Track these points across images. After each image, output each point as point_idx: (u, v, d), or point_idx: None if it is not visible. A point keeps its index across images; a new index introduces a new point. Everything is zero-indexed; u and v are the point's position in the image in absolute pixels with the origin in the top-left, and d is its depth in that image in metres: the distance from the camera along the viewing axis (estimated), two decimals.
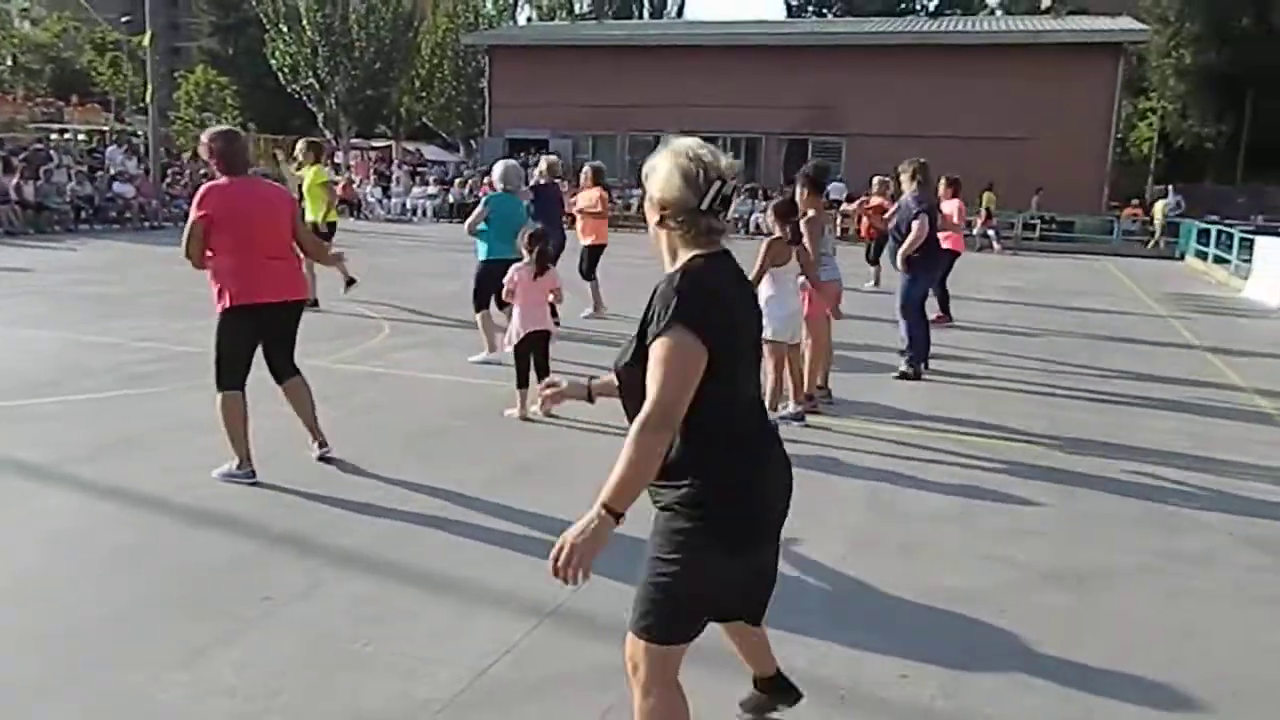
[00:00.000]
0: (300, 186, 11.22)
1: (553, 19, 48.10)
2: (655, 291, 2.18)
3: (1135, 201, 30.08)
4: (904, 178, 8.26)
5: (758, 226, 25.86)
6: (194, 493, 4.73)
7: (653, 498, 2.30)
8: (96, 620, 3.43)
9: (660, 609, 2.25)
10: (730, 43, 32.21)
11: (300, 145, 11.21)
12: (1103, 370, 8.88)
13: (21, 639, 3.29)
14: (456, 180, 28.95)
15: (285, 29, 34.36)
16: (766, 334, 6.14)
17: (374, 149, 39.35)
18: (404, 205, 28.20)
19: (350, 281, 10.47)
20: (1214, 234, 20.27)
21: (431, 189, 28.54)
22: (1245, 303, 15.21)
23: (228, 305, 4.78)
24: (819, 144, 32.20)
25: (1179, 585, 4.10)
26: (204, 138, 4.89)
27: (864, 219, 14.90)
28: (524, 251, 6.43)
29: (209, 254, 4.78)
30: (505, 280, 6.34)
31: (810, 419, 6.53)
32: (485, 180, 28.35)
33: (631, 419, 2.19)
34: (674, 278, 2.17)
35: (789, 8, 59.54)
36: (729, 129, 32.59)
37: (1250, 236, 17.64)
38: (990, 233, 23.85)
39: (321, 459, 5.21)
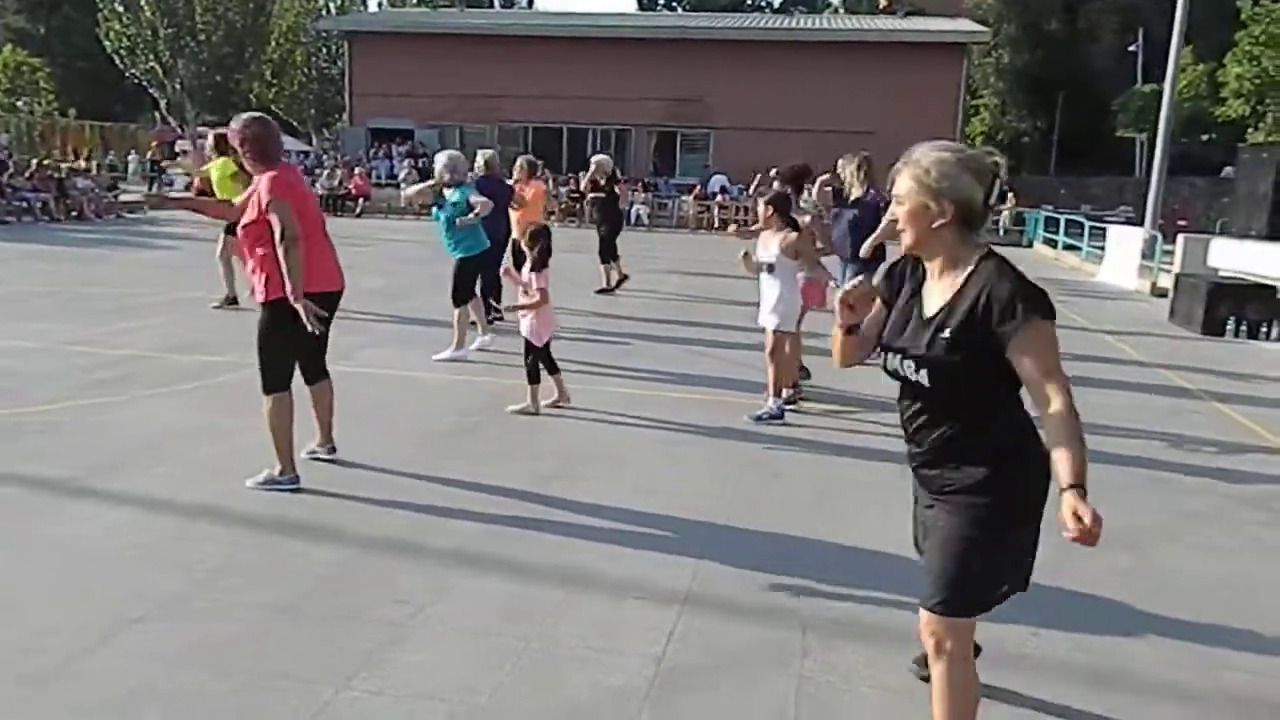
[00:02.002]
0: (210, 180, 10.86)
1: (404, 4, 46.98)
2: (981, 288, 2.34)
3: None
4: (850, 171, 8.60)
5: (638, 217, 26.24)
6: (248, 501, 4.58)
7: (941, 484, 2.48)
8: (246, 635, 3.32)
9: (967, 584, 2.43)
10: (599, 35, 32.39)
11: (210, 138, 10.78)
12: None
13: (185, 656, 3.15)
14: (326, 172, 27.87)
15: (122, 9, 32.18)
16: (773, 324, 6.45)
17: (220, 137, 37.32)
18: None
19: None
20: (1063, 223, 21.98)
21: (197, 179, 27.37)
22: (1105, 286, 16.62)
23: (281, 295, 4.57)
24: (687, 136, 32.87)
25: (1208, 542, 4.61)
26: (235, 125, 4.63)
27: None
28: (526, 249, 6.43)
29: (258, 247, 4.57)
30: (506, 280, 6.37)
31: (803, 405, 6.84)
32: (356, 172, 27.64)
33: (935, 398, 2.41)
34: (1005, 272, 2.35)
35: (640, 2, 60.20)
36: (598, 121, 32.85)
37: (1101, 226, 19.26)
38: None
39: (312, 457, 5.09)
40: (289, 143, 39.81)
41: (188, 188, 28.23)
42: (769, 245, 6.55)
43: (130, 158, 29.86)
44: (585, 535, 4.36)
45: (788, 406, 6.61)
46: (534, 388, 6.37)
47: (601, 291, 12.35)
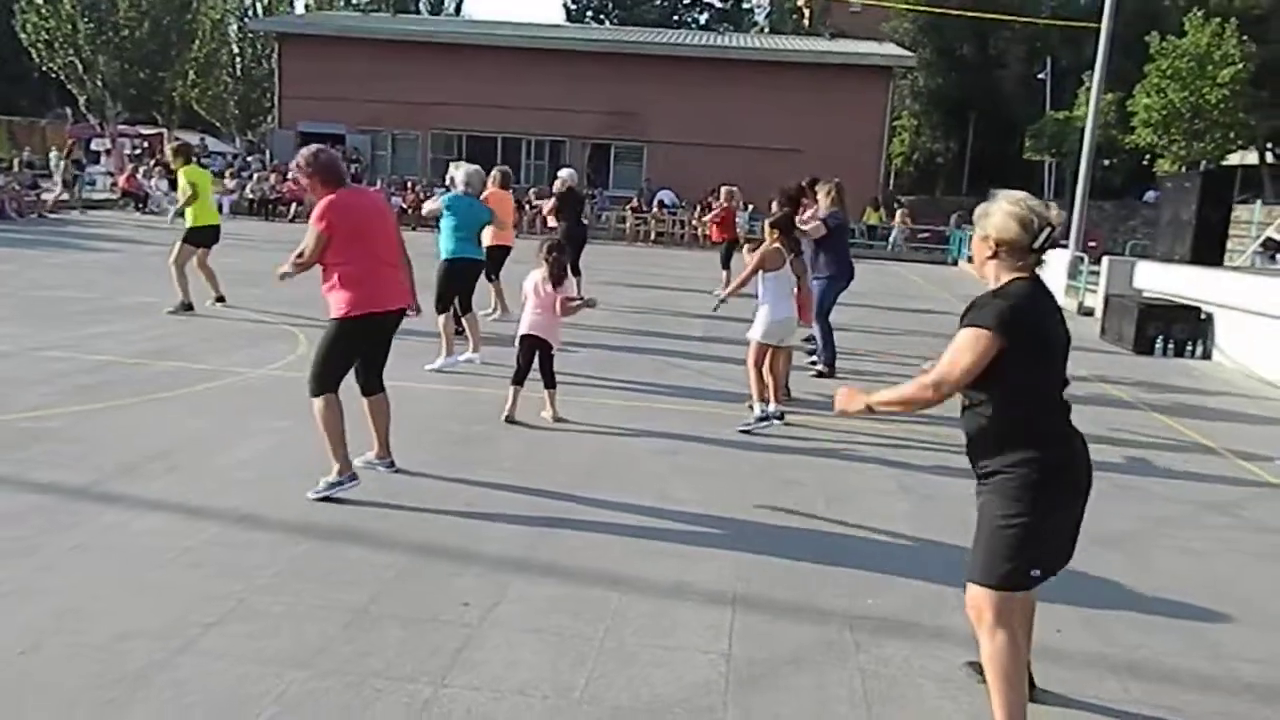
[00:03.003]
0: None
1: (331, 7, 46.35)
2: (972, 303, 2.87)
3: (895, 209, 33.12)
4: (821, 194, 8.99)
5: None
6: (282, 508, 4.63)
7: (980, 470, 2.91)
8: (335, 638, 3.41)
9: (1002, 558, 2.79)
10: (534, 45, 32.45)
11: (168, 150, 10.74)
12: None
13: (281, 658, 3.23)
14: (256, 175, 27.32)
15: (41, 1, 31.03)
16: (755, 335, 6.73)
17: (142, 136, 36.29)
18: None
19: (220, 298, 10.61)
20: None
21: (229, 183, 26.83)
22: None
23: (352, 313, 4.70)
24: (621, 148, 33.15)
25: (1185, 545, 5.02)
26: (301, 163, 4.79)
27: (715, 226, 15.75)
28: (542, 261, 6.58)
29: (329, 263, 4.71)
30: (526, 286, 6.51)
31: (791, 418, 7.12)
32: (290, 177, 27.14)
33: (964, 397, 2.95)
34: (997, 292, 2.87)
35: (568, 12, 60.49)
36: (532, 131, 32.93)
37: None
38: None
39: (368, 466, 5.16)
40: (211, 144, 38.99)
41: (113, 186, 27.45)
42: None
43: (52, 155, 28.74)
44: (621, 539, 4.53)
45: (776, 420, 6.86)
46: (516, 389, 6.50)
47: None
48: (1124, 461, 6.57)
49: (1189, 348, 11.68)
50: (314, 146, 4.89)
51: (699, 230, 27.59)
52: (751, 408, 6.86)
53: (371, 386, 5.03)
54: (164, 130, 37.82)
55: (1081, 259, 16.86)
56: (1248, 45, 29.43)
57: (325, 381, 4.78)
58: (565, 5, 60.57)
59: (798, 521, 4.95)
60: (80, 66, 31.54)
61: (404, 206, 27.03)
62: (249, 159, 32.58)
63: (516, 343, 6.63)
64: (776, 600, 3.99)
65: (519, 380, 6.50)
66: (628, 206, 28.63)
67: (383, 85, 31.78)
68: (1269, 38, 33.65)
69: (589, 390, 7.64)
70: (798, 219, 7.94)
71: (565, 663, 3.35)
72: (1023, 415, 2.85)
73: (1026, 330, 2.80)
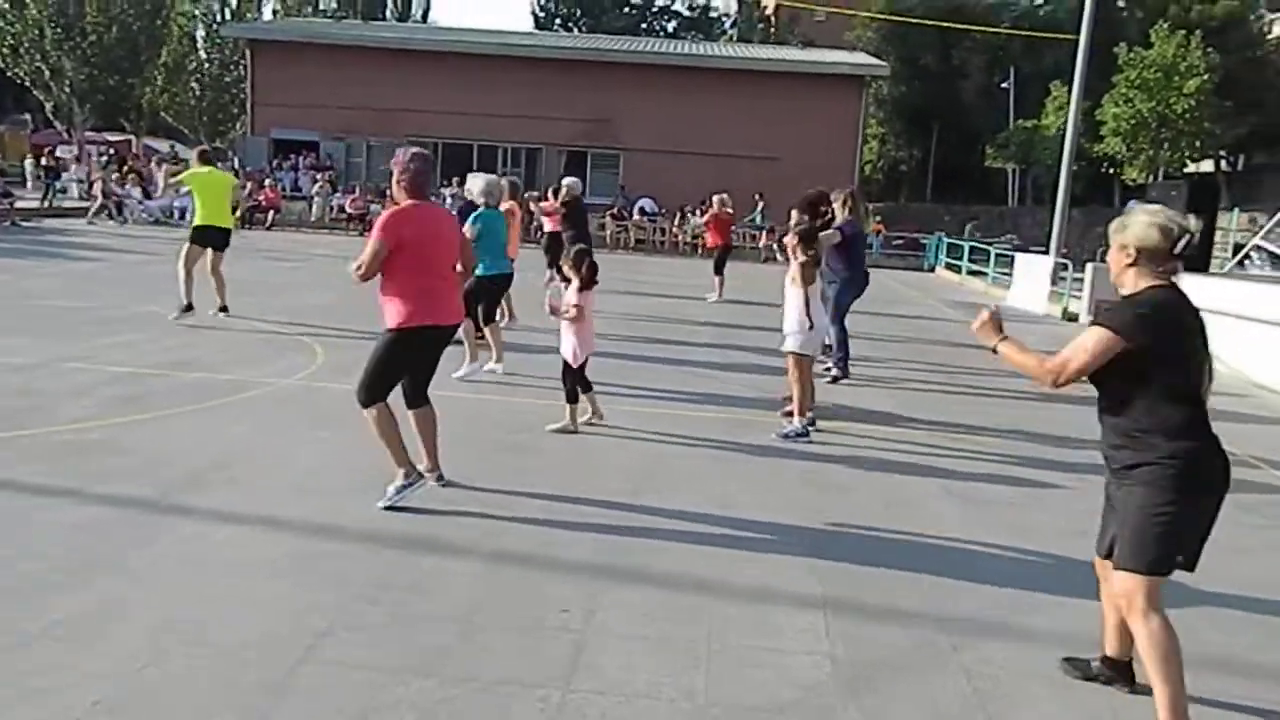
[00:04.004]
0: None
1: (299, 14, 46.02)
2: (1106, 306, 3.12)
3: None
4: (836, 205, 9.13)
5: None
6: (353, 518, 4.65)
7: (1121, 464, 3.10)
8: (452, 646, 3.45)
9: (1154, 544, 2.97)
10: (510, 54, 32.46)
11: (193, 154, 10.67)
12: (976, 369, 10.31)
13: (405, 666, 3.26)
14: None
15: (7, 6, 30.50)
16: (793, 347, 6.82)
17: (109, 143, 35.72)
18: (171, 208, 26.00)
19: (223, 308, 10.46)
20: (967, 249, 23.30)
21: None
22: (1017, 310, 17.71)
23: (407, 325, 4.73)
24: (597, 156, 33.21)
25: (1228, 543, 5.18)
26: (402, 157, 4.82)
27: (711, 232, 15.90)
28: (571, 273, 6.63)
29: (387, 275, 4.73)
30: (551, 301, 6.55)
31: (821, 424, 7.24)
32: (266, 184, 26.91)
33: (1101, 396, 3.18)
34: (1126, 298, 3.05)
35: (536, 20, 60.50)
36: (509, 139, 32.91)
37: (1009, 253, 20.54)
38: (776, 246, 25.81)
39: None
40: (181, 150, 38.43)
41: (88, 192, 26.98)
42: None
43: (27, 163, 28.24)
44: (696, 545, 4.60)
45: (811, 428, 6.96)
46: (572, 407, 6.56)
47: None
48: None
49: None
50: (412, 151, 4.90)
51: (680, 238, 27.78)
52: (791, 415, 6.95)
53: (417, 400, 5.04)
54: (131, 137, 37.26)
55: (1064, 265, 17.21)
56: (1212, 56, 30.21)
57: (375, 392, 4.79)
58: (533, 13, 60.61)
59: (860, 527, 5.05)
60: (47, 72, 31.01)
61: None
62: (225, 167, 32.11)
63: (576, 366, 6.63)
64: (863, 603, 4.08)
65: (574, 399, 6.54)
66: (607, 214, 28.69)
67: (357, 92, 31.60)
68: (1229, 48, 34.62)
69: (616, 398, 7.68)
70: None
71: (680, 666, 3.42)
72: (1164, 414, 3.01)
73: (1156, 334, 2.97)
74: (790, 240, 7.04)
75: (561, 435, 6.43)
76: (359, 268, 4.77)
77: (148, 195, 26.67)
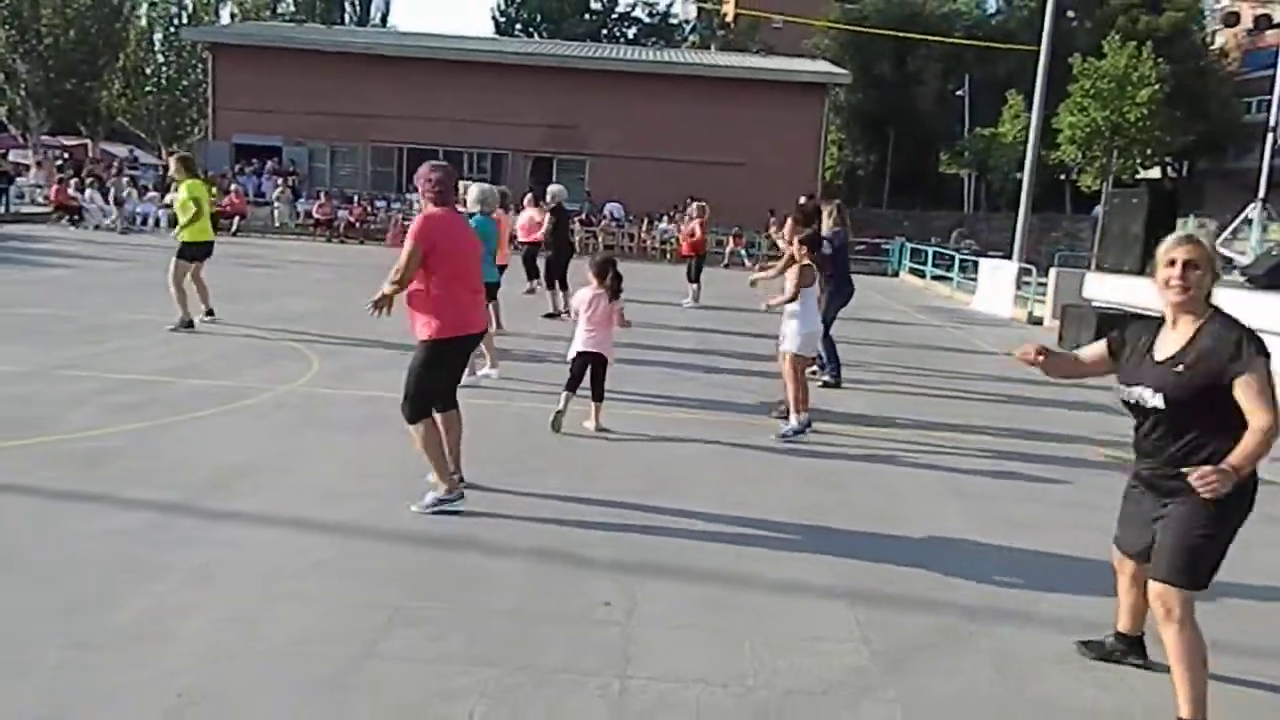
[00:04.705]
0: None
1: (256, 18, 45.55)
2: (1215, 334, 3.08)
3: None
4: (824, 214, 9.37)
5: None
6: (390, 520, 4.77)
7: (1176, 486, 3.11)
8: (510, 638, 3.59)
9: (1203, 563, 3.10)
10: (474, 59, 32.50)
11: (173, 162, 10.53)
12: (954, 372, 10.63)
13: (468, 657, 3.40)
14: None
15: None
16: (792, 348, 7.04)
17: (64, 148, 35.12)
18: (135, 215, 25.68)
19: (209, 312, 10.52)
20: (930, 255, 23.79)
21: (168, 197, 26.14)
22: (982, 314, 18.17)
23: (442, 335, 4.83)
24: (563, 162, 33.34)
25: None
26: (425, 169, 4.93)
27: (686, 240, 16.12)
28: (594, 278, 6.78)
29: (419, 283, 4.82)
30: (576, 303, 6.71)
31: (818, 426, 7.46)
32: (232, 190, 26.66)
33: (1173, 419, 3.08)
34: (1231, 322, 3.09)
35: (496, 25, 60.49)
36: (474, 145, 32.92)
37: (973, 259, 21.04)
38: (742, 251, 26.15)
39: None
40: (141, 156, 37.91)
41: (46, 200, 26.53)
42: (790, 278, 7.14)
43: None
44: (715, 543, 4.78)
45: (807, 429, 7.18)
46: (567, 394, 6.71)
47: (549, 316, 12.67)
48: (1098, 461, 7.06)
49: None
50: (431, 163, 5.01)
51: (648, 243, 28.00)
52: (785, 416, 7.17)
53: (446, 403, 5.15)
54: (88, 142, 36.65)
55: (1028, 270, 17.68)
56: (1162, 66, 31.14)
57: (422, 406, 4.90)
58: (494, 18, 60.60)
59: (867, 523, 5.26)
60: (1, 76, 30.43)
61: (351, 221, 26.80)
62: None
63: (572, 358, 6.81)
64: (883, 594, 4.29)
65: (572, 388, 6.70)
66: (576, 219, 28.77)
67: (321, 97, 31.46)
68: (1175, 58, 35.69)
69: (613, 402, 7.82)
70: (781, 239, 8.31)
71: (725, 654, 3.59)
72: (1228, 436, 3.02)
73: None
74: (795, 247, 7.25)
75: (572, 438, 6.57)
76: (397, 276, 4.80)
77: (120, 202, 26.26)
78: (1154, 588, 3.18)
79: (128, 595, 3.75)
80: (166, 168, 32.65)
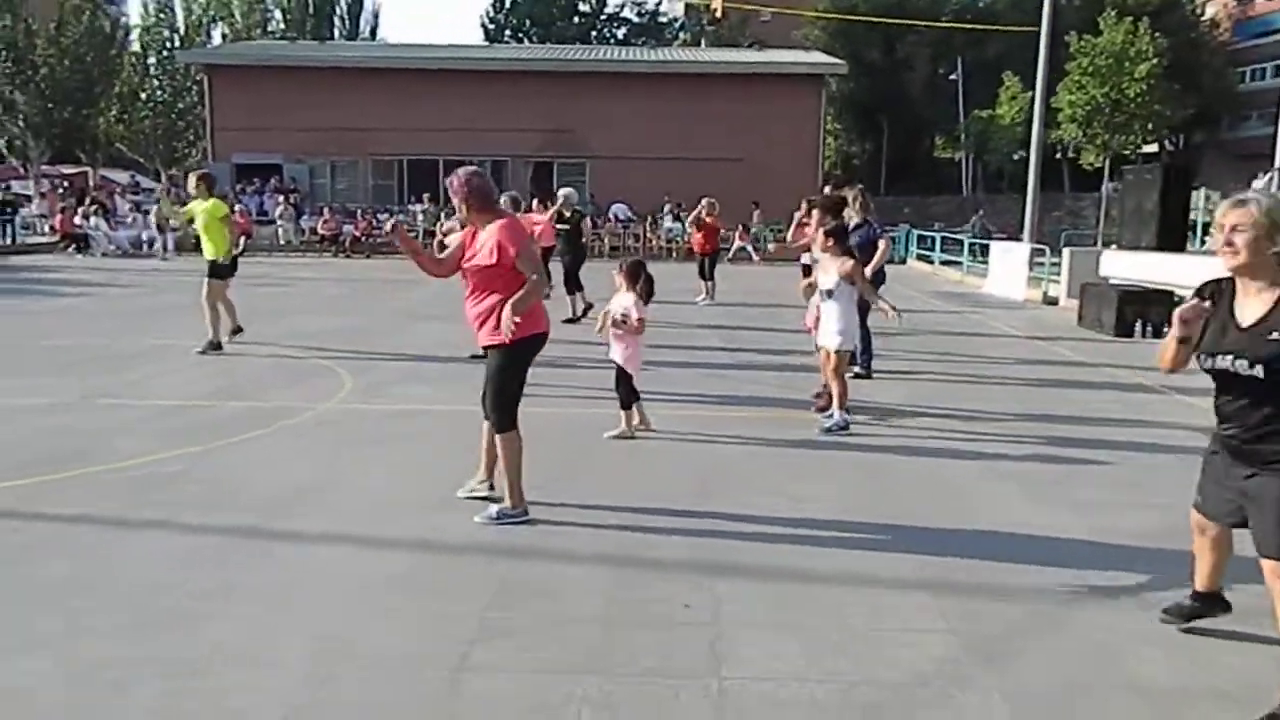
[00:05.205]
0: (189, 222, 10.80)
1: (248, 38, 45.59)
2: None
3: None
4: (851, 203, 9.34)
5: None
6: (458, 530, 4.78)
7: (1267, 457, 3.16)
8: (598, 647, 3.60)
9: None
10: (469, 67, 32.52)
11: (191, 179, 10.53)
12: (982, 358, 10.63)
13: (565, 665, 3.40)
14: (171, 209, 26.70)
15: None
16: (835, 344, 7.04)
17: (64, 176, 35.14)
18: (142, 239, 25.71)
19: (237, 329, 10.51)
20: (938, 240, 23.80)
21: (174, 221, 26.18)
22: (996, 298, 18.15)
23: (523, 336, 4.75)
24: (563, 165, 33.33)
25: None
26: (458, 181, 4.87)
27: (700, 237, 16.12)
28: (624, 280, 6.77)
29: (494, 292, 4.78)
30: (620, 312, 6.68)
31: (858, 417, 7.46)
32: (237, 210, 26.62)
33: (1265, 388, 3.09)
34: None
35: (486, 32, 60.52)
36: (474, 152, 32.83)
37: (982, 243, 21.04)
38: (748, 246, 26.16)
39: (471, 496, 5.25)
40: (143, 181, 37.95)
41: (51, 230, 26.58)
42: (829, 272, 7.13)
43: None
44: (777, 539, 4.78)
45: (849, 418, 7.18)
46: (627, 414, 6.72)
47: (569, 321, 12.66)
48: (1172, 439, 7.06)
49: (1166, 330, 12.38)
50: (463, 170, 4.98)
51: (655, 242, 28.02)
52: (825, 410, 7.19)
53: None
54: (88, 169, 36.68)
55: (1041, 251, 17.66)
56: (1159, 40, 31.14)
57: (511, 411, 4.89)
58: (483, 25, 60.65)
59: (926, 513, 5.25)
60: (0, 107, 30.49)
61: (357, 235, 26.83)
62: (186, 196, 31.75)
63: (628, 372, 6.79)
64: (959, 583, 4.28)
65: (627, 405, 6.69)
66: (588, 221, 28.81)
67: (318, 113, 31.44)
68: (1168, 31, 35.68)
69: (649, 403, 7.82)
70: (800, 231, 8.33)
71: (816, 650, 3.59)
72: None
73: None
74: (819, 239, 7.25)
75: (616, 443, 6.58)
76: (534, 277, 4.76)
77: (115, 227, 26.32)
78: (1264, 565, 3.17)
79: (214, 617, 3.76)
80: (169, 190, 32.75)
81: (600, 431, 6.71)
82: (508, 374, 4.88)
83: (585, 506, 5.21)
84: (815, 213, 7.97)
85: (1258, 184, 19.26)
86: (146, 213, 27.85)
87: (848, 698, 3.25)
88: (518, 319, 4.58)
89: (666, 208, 29.14)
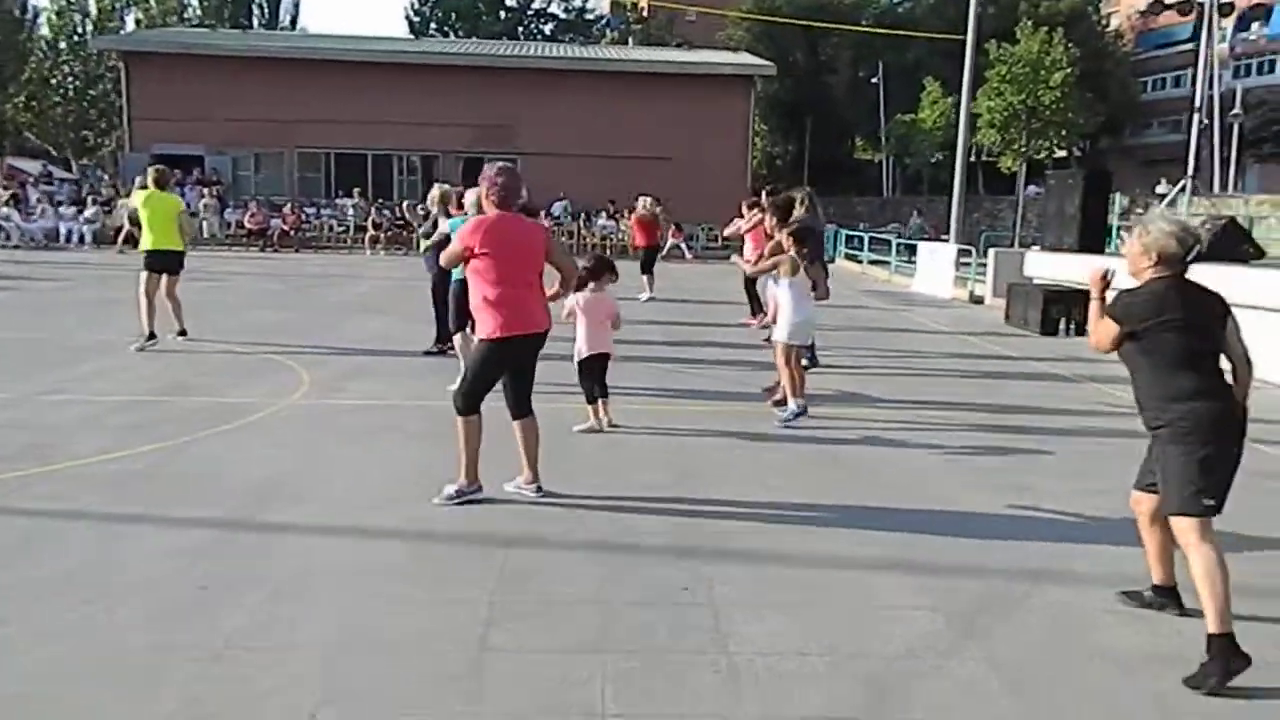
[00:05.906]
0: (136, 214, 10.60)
1: (163, 24, 44.25)
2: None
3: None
4: (799, 205, 9.64)
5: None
6: (448, 521, 4.89)
7: (1151, 424, 3.73)
8: (619, 627, 3.76)
9: (1181, 488, 3.56)
10: (400, 60, 32.20)
11: (150, 172, 10.25)
12: (919, 353, 11.06)
13: (589, 646, 3.55)
14: (120, 204, 25.92)
15: None
16: (782, 337, 7.31)
17: None
18: (57, 231, 24.83)
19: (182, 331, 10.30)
20: (865, 240, 24.45)
21: (89, 211, 25.39)
22: (923, 296, 18.77)
23: (495, 336, 4.96)
24: (495, 161, 33.09)
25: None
26: (490, 171, 5.02)
27: (638, 232, 16.34)
28: (590, 278, 6.93)
29: (479, 285, 4.97)
30: (573, 305, 6.83)
31: (812, 410, 7.73)
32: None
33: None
34: (1130, 290, 3.69)
35: (410, 25, 59.71)
36: (403, 147, 32.60)
37: (911, 243, 21.71)
38: (682, 244, 26.48)
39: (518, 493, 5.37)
40: (56, 172, 36.50)
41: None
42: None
43: None
44: (755, 523, 5.01)
45: (801, 415, 7.45)
46: (593, 407, 6.88)
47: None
48: (1118, 425, 7.51)
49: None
50: (499, 165, 5.11)
51: (589, 239, 28.15)
52: (780, 402, 7.45)
53: (521, 410, 5.26)
54: None
55: (967, 251, 18.33)
56: (1073, 50, 32.43)
57: (472, 400, 5.08)
58: (407, 18, 59.82)
59: (895, 499, 5.53)
60: None
61: (285, 229, 26.34)
62: (98, 184, 30.76)
63: (579, 365, 6.94)
64: (927, 564, 4.55)
65: (593, 398, 6.85)
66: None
67: (242, 104, 30.73)
68: (1077, 40, 37.15)
69: (618, 398, 8.01)
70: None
71: (815, 628, 3.81)
72: (1176, 377, 3.58)
73: (1150, 316, 3.59)
74: (784, 239, 7.51)
75: (590, 436, 6.73)
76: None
77: (27, 218, 25.36)
78: (1172, 525, 3.65)
79: (223, 609, 3.81)
80: (77, 182, 31.62)
81: (568, 426, 6.85)
82: (478, 366, 5.16)
83: (569, 496, 5.36)
84: (756, 211, 8.23)
85: (1161, 189, 20.31)
86: (59, 204, 26.93)
87: (848, 670, 3.48)
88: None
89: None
